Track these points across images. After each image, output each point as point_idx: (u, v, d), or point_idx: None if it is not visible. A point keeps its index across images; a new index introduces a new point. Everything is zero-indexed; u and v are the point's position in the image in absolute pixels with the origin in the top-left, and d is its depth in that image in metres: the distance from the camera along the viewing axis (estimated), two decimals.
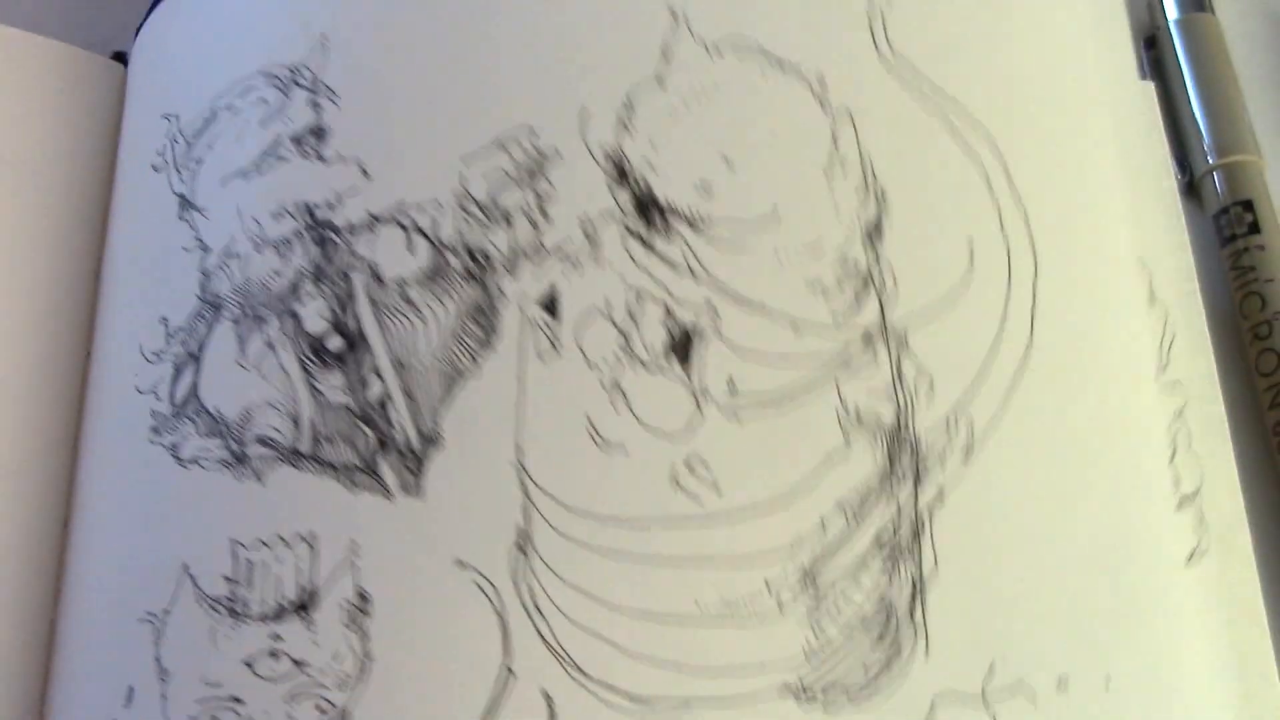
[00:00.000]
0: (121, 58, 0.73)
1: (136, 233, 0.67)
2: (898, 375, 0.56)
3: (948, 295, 0.57)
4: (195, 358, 0.60)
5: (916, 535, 0.54)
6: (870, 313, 0.57)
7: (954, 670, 0.53)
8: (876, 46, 0.60)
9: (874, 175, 0.58)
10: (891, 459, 0.55)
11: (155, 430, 0.60)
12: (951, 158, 0.59)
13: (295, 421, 0.57)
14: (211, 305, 0.60)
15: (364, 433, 0.57)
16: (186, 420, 0.59)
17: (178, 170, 0.65)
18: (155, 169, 0.66)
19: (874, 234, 0.58)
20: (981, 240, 0.58)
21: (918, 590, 0.54)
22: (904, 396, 0.56)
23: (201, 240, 0.63)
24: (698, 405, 0.56)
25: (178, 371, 0.61)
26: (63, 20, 0.78)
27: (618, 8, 0.60)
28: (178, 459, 0.59)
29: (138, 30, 0.72)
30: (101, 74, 0.72)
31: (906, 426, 0.56)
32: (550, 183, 0.58)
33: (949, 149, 0.59)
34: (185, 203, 0.64)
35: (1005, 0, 0.62)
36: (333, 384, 0.57)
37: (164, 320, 0.63)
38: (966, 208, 0.58)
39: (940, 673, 0.53)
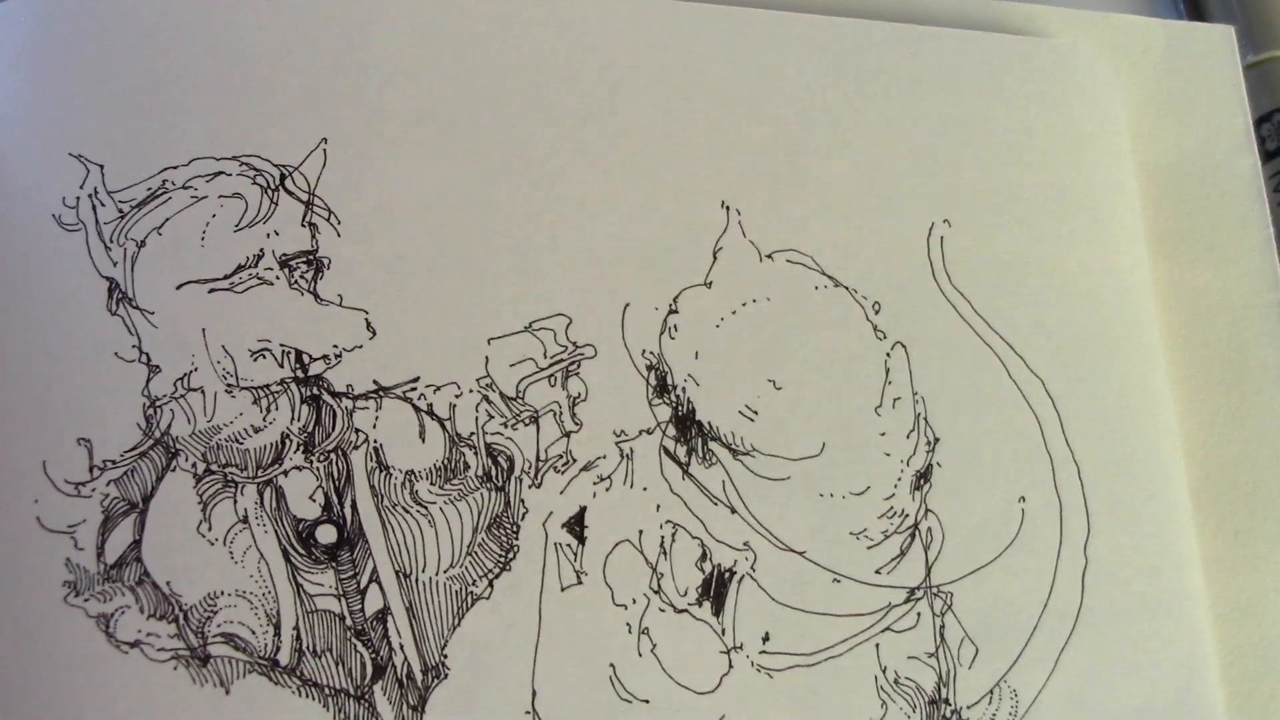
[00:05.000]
0: None
1: (32, 300, 0.53)
2: (940, 640, 0.52)
3: (996, 555, 0.53)
4: (137, 508, 0.51)
5: None
6: (915, 570, 0.53)
7: None
8: (935, 275, 0.56)
9: (926, 419, 0.54)
10: None
11: (73, 589, 0.50)
12: (1007, 404, 0.55)
13: (274, 624, 0.50)
14: (162, 446, 0.51)
15: (358, 652, 0.50)
16: (122, 588, 0.50)
17: (103, 241, 0.53)
18: (62, 224, 0.53)
19: (923, 483, 0.53)
20: (1034, 497, 0.54)
21: None
22: (946, 663, 0.51)
23: (145, 354, 0.52)
24: (730, 658, 0.50)
25: (109, 519, 0.51)
26: None
27: (673, 202, 0.54)
28: (111, 637, 0.50)
29: None
30: None
31: (947, 698, 0.51)
32: (584, 383, 0.52)
33: (1005, 395, 0.56)
34: (120, 294, 0.52)
35: (1067, 243, 0.58)
36: (323, 585, 0.50)
37: (85, 443, 0.51)
38: (1019, 460, 0.55)
39: None
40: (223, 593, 0.51)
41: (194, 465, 0.51)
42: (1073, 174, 0.59)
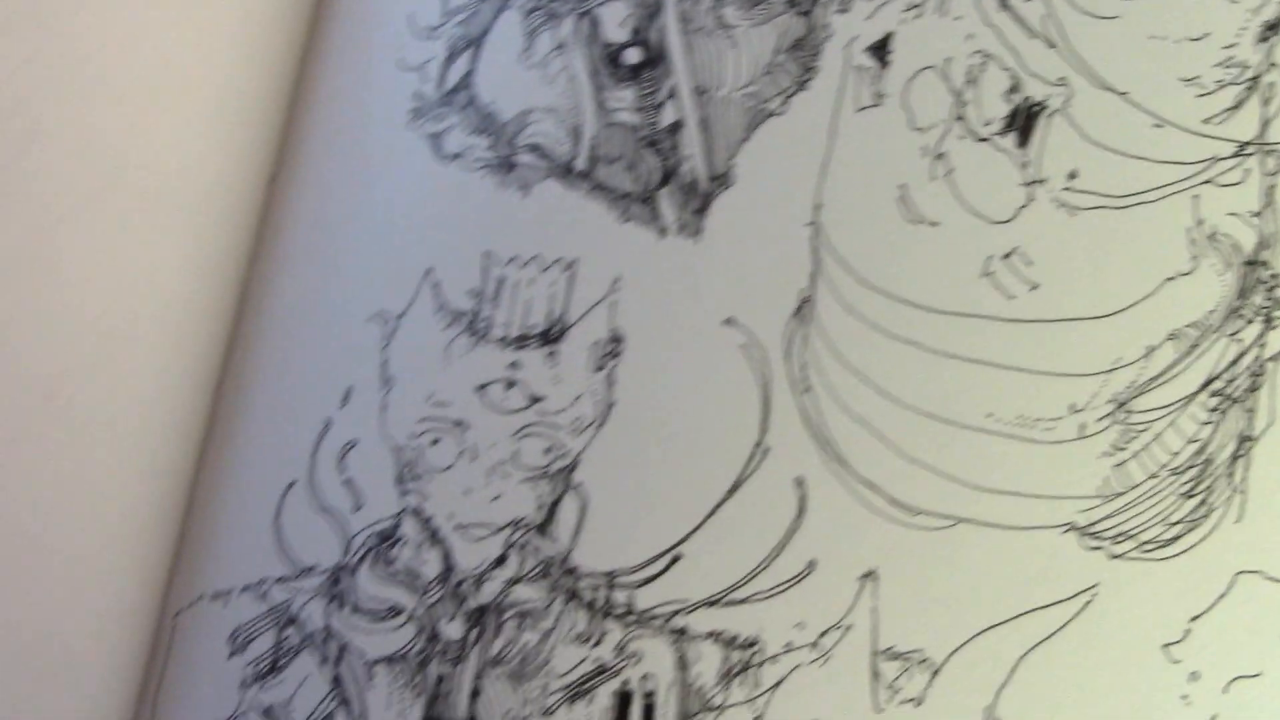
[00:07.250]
0: None
1: None
2: (1268, 200, 0.47)
3: None
4: (475, 44, 0.54)
5: (1254, 386, 0.46)
6: (1249, 125, 0.48)
7: (1267, 549, 0.45)
8: None
9: None
10: (1243, 294, 0.46)
11: (416, 114, 0.55)
12: None
13: (575, 135, 0.51)
14: None
15: (648, 160, 0.50)
16: (454, 110, 0.53)
17: None
18: None
19: (1271, 35, 0.48)
20: None
21: (1244, 448, 0.46)
22: (1271, 225, 0.47)
23: None
24: (1030, 192, 0.48)
25: (452, 55, 0.55)
26: None
27: None
28: (438, 151, 0.53)
29: None
30: None
31: (1267, 260, 0.47)
32: None
33: None
34: None
35: None
36: (623, 101, 0.51)
37: None
38: None
39: (1250, 549, 0.45)
40: (534, 109, 0.53)
41: (526, 4, 0.54)
42: None
